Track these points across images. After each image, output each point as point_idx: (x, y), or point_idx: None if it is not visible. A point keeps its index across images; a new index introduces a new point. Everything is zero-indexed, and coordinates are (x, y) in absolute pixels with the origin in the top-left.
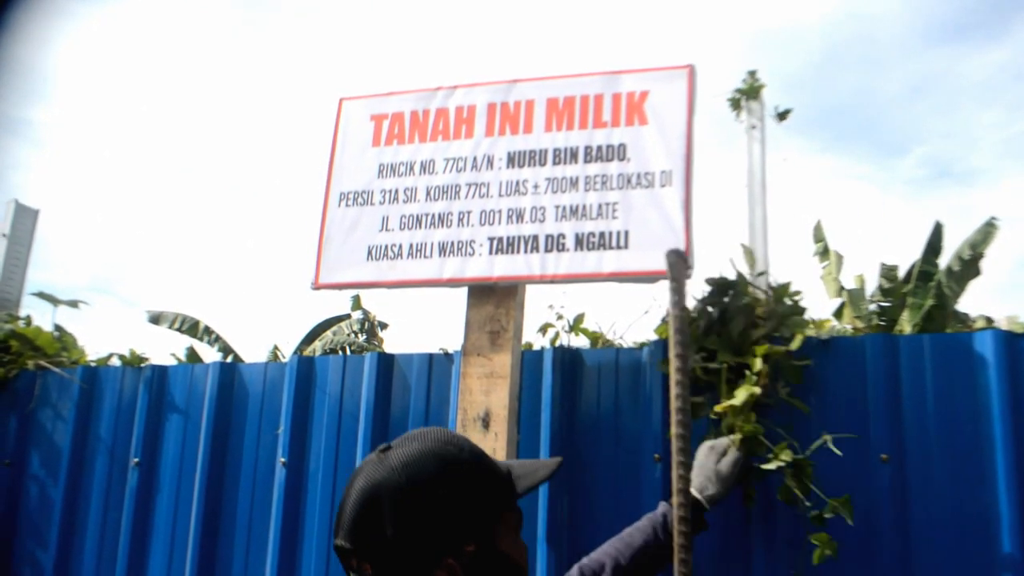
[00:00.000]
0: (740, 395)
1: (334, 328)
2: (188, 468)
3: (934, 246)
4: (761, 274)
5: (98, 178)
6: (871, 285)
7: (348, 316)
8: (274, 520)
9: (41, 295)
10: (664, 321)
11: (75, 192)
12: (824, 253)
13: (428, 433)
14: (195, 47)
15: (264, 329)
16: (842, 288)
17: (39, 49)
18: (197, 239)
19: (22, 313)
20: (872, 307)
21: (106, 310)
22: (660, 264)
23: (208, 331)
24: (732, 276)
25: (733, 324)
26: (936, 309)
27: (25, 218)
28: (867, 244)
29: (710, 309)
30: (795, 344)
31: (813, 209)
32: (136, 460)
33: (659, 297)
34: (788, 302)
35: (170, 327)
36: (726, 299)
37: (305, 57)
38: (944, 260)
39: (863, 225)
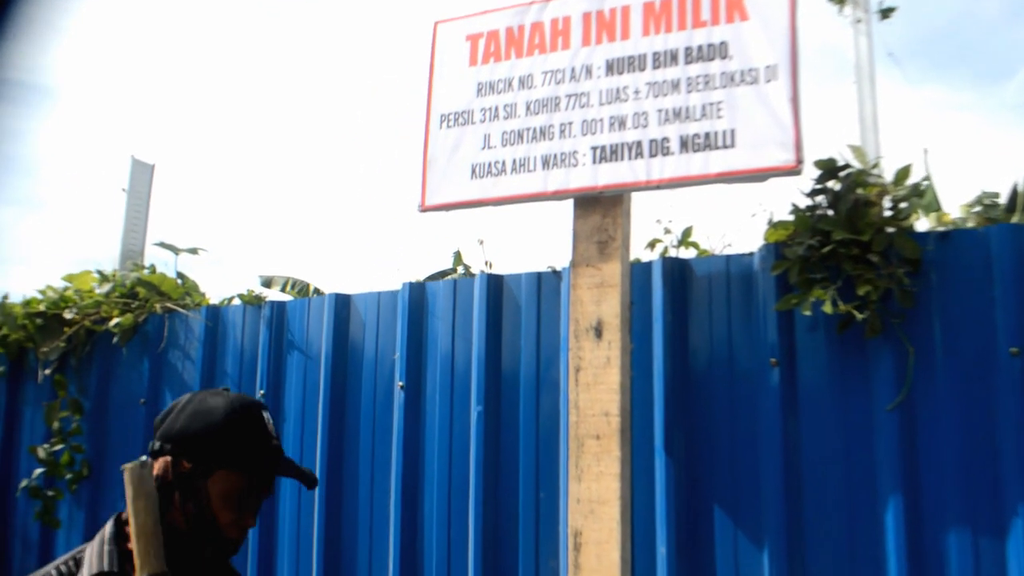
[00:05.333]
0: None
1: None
2: (311, 397)
3: None
4: (875, 165)
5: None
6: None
7: (453, 271)
8: (395, 440)
9: (163, 244)
10: (771, 225)
11: (183, 151)
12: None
13: (242, 397)
14: None
15: (369, 286)
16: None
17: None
18: (289, 194)
19: (146, 263)
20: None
21: (208, 272)
22: (769, 161)
23: (318, 292)
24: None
25: (843, 202)
26: None
27: (142, 173)
28: (973, 174)
29: (819, 198)
30: (913, 219)
31: (915, 142)
32: (262, 392)
33: (766, 199)
34: (908, 185)
35: (282, 290)
36: (837, 183)
37: None
38: None
39: (968, 155)
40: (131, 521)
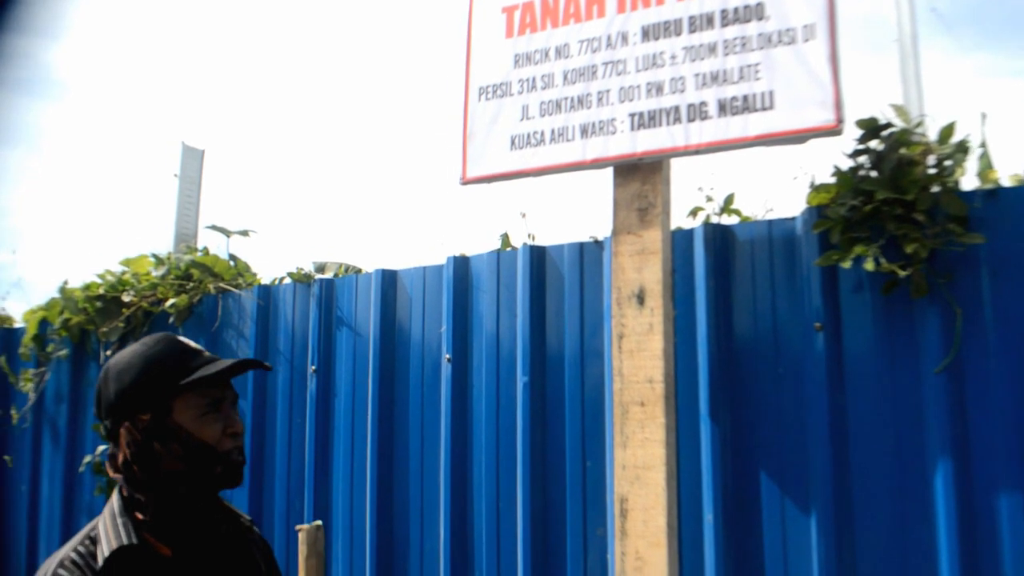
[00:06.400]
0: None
1: None
2: (361, 371)
3: None
4: (919, 124)
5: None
6: None
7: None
8: (444, 412)
9: (214, 227)
10: (813, 188)
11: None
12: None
13: (151, 336)
14: None
15: (414, 261)
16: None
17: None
18: (334, 173)
19: (199, 245)
20: None
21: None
22: (809, 121)
23: None
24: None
25: (886, 162)
26: None
27: (192, 158)
28: None
29: (861, 159)
30: (958, 174)
31: (967, 109)
32: (314, 368)
33: (807, 163)
34: (953, 143)
35: (335, 275)
36: (880, 143)
37: None
38: None
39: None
40: None
